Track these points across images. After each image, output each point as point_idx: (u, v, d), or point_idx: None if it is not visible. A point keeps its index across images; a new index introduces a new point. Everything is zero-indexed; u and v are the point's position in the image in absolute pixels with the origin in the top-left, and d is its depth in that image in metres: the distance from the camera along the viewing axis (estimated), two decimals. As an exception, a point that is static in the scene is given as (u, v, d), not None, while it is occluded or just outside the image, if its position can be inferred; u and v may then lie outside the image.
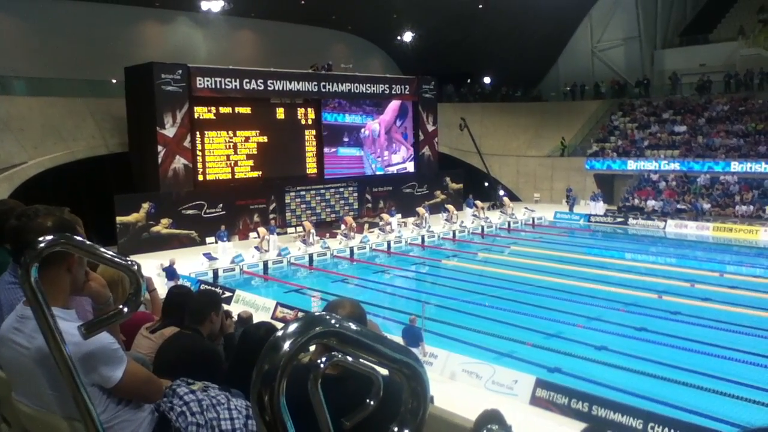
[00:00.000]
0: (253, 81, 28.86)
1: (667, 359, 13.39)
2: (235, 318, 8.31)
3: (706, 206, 31.16)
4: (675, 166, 34.17)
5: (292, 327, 1.19)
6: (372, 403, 1.66)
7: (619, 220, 32.00)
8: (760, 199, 30.31)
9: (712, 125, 35.46)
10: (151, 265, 18.64)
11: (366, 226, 29.82)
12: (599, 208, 33.43)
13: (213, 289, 17.72)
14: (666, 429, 9.94)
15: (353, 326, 1.26)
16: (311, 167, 31.59)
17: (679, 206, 31.98)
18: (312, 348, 1.45)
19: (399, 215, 31.30)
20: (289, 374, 1.16)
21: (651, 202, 32.90)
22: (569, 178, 37.21)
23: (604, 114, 40.64)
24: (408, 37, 40.25)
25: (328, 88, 31.58)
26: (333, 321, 1.23)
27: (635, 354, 13.79)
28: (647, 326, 15.71)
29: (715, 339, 14.52)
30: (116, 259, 1.92)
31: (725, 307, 17.12)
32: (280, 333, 1.18)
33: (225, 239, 24.96)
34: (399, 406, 1.38)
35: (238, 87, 28.38)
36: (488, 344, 14.58)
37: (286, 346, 1.15)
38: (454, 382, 12.70)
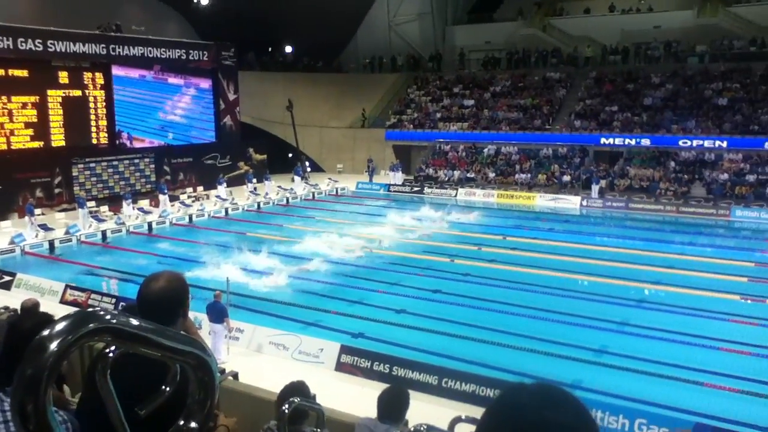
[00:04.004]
0: (30, 41, 25.99)
1: (459, 318, 14.47)
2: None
3: (491, 175, 33.91)
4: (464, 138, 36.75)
5: (60, 325, 1.10)
6: (168, 389, 1.60)
7: (416, 189, 33.73)
8: (535, 168, 33.61)
9: (496, 99, 38.48)
10: None
11: (164, 198, 28.42)
12: (398, 177, 35.00)
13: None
14: (458, 382, 10.80)
15: (133, 321, 1.19)
16: (102, 137, 29.31)
17: (468, 175, 34.43)
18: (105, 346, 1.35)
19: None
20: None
21: (445, 172, 35.05)
22: (370, 148, 38.37)
23: (401, 87, 42.33)
24: (205, 0, 38.50)
25: (119, 52, 29.38)
26: (108, 317, 1.15)
27: (431, 315, 14.76)
28: (441, 288, 16.85)
29: (500, 297, 15.93)
30: None
31: (508, 267, 18.85)
32: (45, 332, 1.08)
33: (31, 213, 22.60)
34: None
35: (11, 47, 25.40)
36: (294, 315, 14.74)
37: (53, 346, 1.06)
38: (261, 354, 12.71)
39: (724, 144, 30.37)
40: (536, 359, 12.31)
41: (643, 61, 37.61)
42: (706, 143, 30.70)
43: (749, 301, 15.84)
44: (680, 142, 31.23)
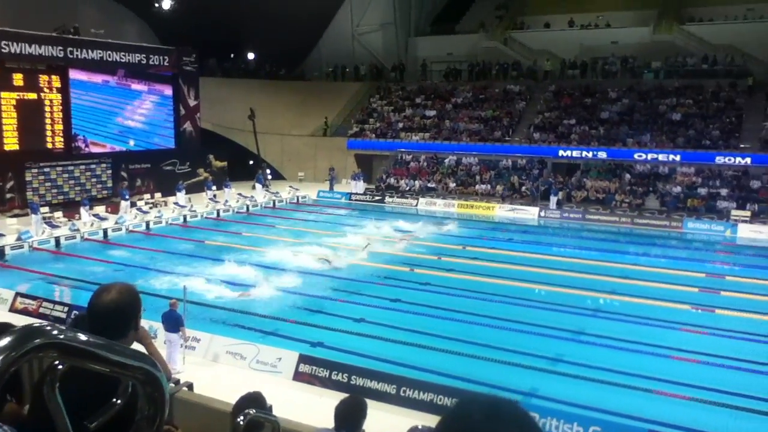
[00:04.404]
0: (-18, 42, 25.30)
1: (418, 327, 14.53)
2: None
3: (452, 185, 34.19)
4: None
5: (5, 340, 1.08)
6: (119, 401, 1.59)
7: (377, 198, 33.80)
8: (495, 178, 34.01)
9: (458, 110, 38.85)
10: None
11: (125, 205, 27.90)
12: (360, 186, 35.02)
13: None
14: (416, 391, 10.83)
15: (81, 336, 1.18)
16: (58, 141, 28.63)
17: (429, 185, 34.65)
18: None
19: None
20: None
21: (407, 181, 35.20)
22: (332, 157, 38.33)
23: (363, 96, 42.44)
24: (167, 4, 38.05)
25: (76, 55, 28.76)
26: (55, 332, 1.14)
27: (391, 324, 14.77)
28: (401, 297, 16.89)
29: (459, 306, 16.05)
30: None
31: (467, 276, 19.00)
32: (-11, 348, 1.07)
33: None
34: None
35: (-38, 47, 24.70)
36: (252, 324, 14.60)
37: (-3, 362, 1.04)
38: (217, 364, 12.55)
39: (678, 158, 31.22)
40: (493, 368, 12.42)
41: (601, 75, 38.45)
42: (660, 157, 31.52)
43: (700, 311, 16.29)
44: (635, 156, 32.01)
